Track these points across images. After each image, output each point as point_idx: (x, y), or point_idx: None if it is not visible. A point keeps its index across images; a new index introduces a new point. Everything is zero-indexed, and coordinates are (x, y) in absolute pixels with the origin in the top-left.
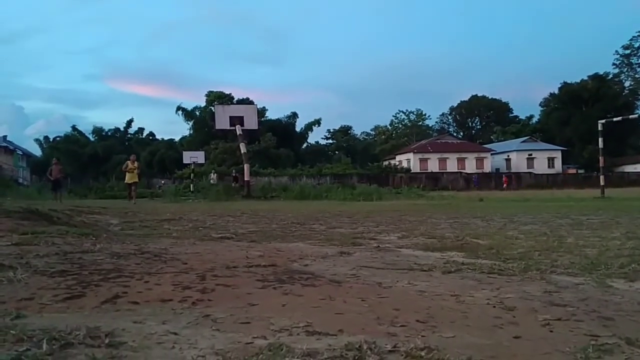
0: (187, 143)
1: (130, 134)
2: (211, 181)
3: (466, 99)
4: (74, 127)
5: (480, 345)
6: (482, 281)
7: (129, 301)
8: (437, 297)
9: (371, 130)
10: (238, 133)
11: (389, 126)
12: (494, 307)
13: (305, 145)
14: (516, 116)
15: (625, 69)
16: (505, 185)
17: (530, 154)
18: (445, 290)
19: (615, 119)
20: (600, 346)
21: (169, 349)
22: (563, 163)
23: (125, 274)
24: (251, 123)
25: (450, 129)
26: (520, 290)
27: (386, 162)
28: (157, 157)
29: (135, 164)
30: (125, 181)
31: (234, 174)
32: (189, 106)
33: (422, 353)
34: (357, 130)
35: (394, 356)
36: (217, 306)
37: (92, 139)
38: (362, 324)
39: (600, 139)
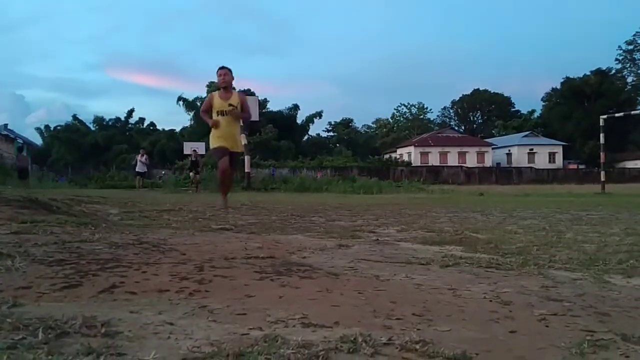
0: (188, 134)
1: (131, 124)
2: (137, 167)
3: (468, 92)
4: (74, 117)
5: (476, 339)
6: (479, 275)
7: (126, 291)
8: (434, 290)
9: (372, 123)
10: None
11: (390, 119)
12: (491, 301)
13: (306, 137)
14: (518, 111)
15: (628, 64)
16: (315, 180)
17: (532, 149)
18: (442, 284)
19: (617, 115)
20: (595, 341)
21: (165, 339)
22: (564, 158)
23: (123, 264)
24: (252, 114)
25: (451, 123)
26: (517, 284)
27: (387, 156)
28: (158, 147)
29: (235, 97)
30: (212, 145)
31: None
32: (190, 96)
33: (417, 346)
34: (359, 123)
35: (389, 349)
36: (214, 297)
37: (92, 128)
38: (358, 317)
39: (601, 135)
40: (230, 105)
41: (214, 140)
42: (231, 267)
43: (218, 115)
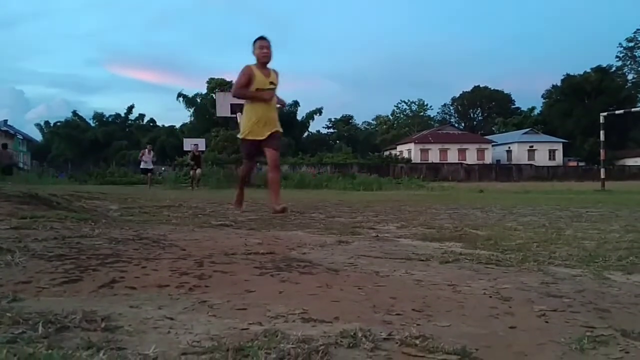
0: (188, 130)
1: (131, 120)
2: (144, 164)
3: (468, 89)
4: (74, 113)
5: (476, 335)
6: (479, 271)
7: (126, 286)
8: (433, 286)
9: (373, 119)
10: (239, 121)
11: (390, 116)
12: (491, 297)
13: (306, 134)
14: (518, 108)
15: (629, 61)
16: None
17: (532, 146)
18: (442, 280)
19: (617, 112)
20: (595, 337)
21: (165, 333)
22: (564, 155)
23: (123, 259)
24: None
25: (451, 120)
26: (517, 281)
27: (387, 152)
28: (158, 143)
29: (274, 77)
30: (243, 131)
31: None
32: (190, 93)
33: (417, 341)
34: (359, 120)
35: (389, 344)
36: (214, 292)
37: (92, 124)
38: (358, 312)
39: (601, 132)
40: (271, 83)
41: (248, 127)
42: (231, 263)
43: (267, 102)
